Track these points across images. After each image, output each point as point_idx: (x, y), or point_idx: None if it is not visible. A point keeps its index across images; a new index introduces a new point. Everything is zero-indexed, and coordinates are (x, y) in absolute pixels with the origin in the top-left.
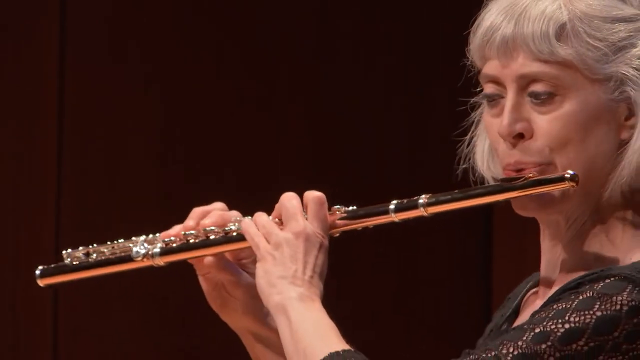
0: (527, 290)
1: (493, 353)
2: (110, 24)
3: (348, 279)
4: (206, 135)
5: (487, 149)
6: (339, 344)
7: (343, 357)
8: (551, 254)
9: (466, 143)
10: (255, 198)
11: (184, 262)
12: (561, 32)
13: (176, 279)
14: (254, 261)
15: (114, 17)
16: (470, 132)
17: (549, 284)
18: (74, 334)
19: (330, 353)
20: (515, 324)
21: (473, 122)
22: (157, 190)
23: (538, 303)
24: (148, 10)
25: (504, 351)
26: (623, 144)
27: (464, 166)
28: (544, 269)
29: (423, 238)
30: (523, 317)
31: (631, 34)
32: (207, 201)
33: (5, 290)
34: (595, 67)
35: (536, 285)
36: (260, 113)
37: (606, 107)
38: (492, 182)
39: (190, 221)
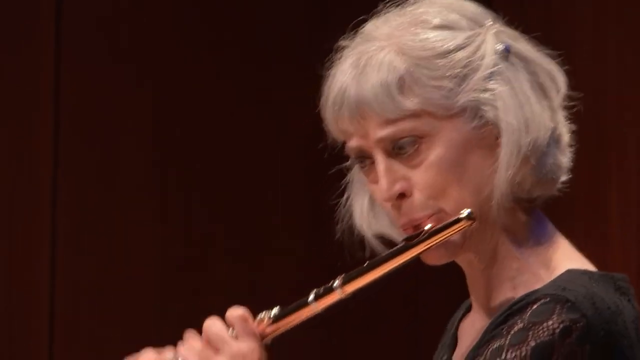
0: (462, 317)
1: None
2: (108, 24)
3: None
4: (204, 135)
5: (367, 207)
6: None
7: None
8: (474, 288)
9: (343, 203)
10: (255, 200)
11: None
12: (402, 85)
13: (178, 281)
14: None
15: (112, 17)
16: (346, 192)
17: (479, 310)
18: (71, 339)
19: None
20: (455, 354)
21: (348, 182)
22: (155, 192)
23: (471, 331)
24: (146, 11)
25: None
26: None
27: (341, 226)
28: (472, 298)
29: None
30: (461, 345)
31: (470, 59)
32: (207, 201)
33: (0, 292)
34: (446, 104)
35: (468, 311)
36: (259, 114)
37: (472, 136)
38: (373, 241)
39: None
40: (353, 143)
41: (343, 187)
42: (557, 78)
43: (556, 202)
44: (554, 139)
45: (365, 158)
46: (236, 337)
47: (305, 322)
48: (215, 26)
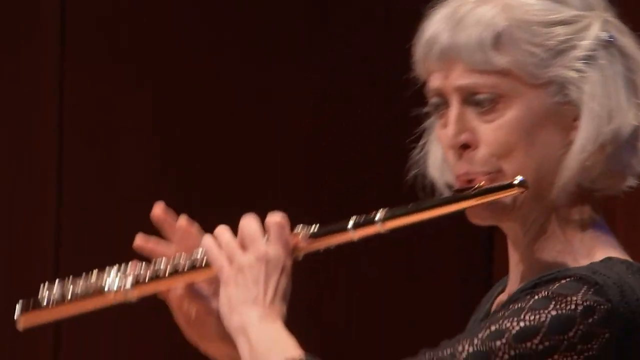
0: (498, 294)
1: (449, 351)
2: (109, 23)
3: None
4: (205, 135)
5: (441, 155)
6: (296, 351)
7: None
8: (513, 259)
9: (418, 149)
10: (255, 199)
11: None
12: (497, 41)
13: None
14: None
15: (113, 17)
16: (423, 139)
17: (512, 287)
18: (74, 339)
19: (287, 358)
20: None
21: (425, 129)
22: (156, 192)
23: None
24: (147, 11)
25: (460, 348)
26: (571, 145)
27: (415, 172)
28: (510, 274)
29: (428, 249)
30: None
31: (570, 36)
32: (207, 200)
33: (1, 293)
34: (535, 72)
35: (503, 289)
36: (260, 113)
37: (551, 110)
38: (444, 190)
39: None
40: (434, 83)
41: (419, 133)
42: None
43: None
44: (633, 138)
45: (441, 102)
46: (267, 241)
47: (337, 247)
48: (215, 26)
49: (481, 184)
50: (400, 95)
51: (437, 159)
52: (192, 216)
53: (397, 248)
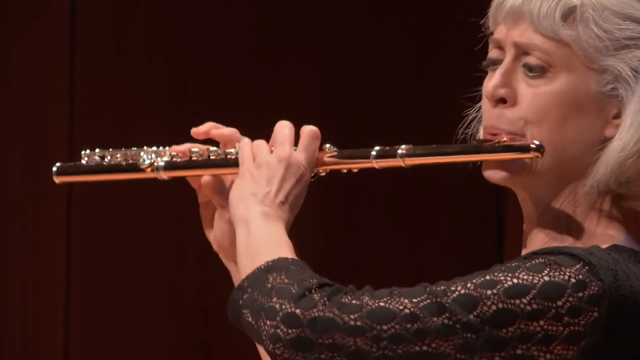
0: None
1: (442, 287)
2: (122, 12)
3: (363, 272)
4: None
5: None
6: (290, 254)
7: (292, 263)
8: (525, 232)
9: (475, 109)
10: None
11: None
12: (569, 14)
13: (189, 276)
14: None
15: (126, 8)
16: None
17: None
18: (85, 335)
19: (280, 257)
20: None
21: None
22: (169, 186)
23: None
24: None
25: (452, 288)
26: (605, 140)
27: (467, 131)
28: (524, 245)
29: (435, 233)
30: None
31: (639, 35)
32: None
33: (17, 287)
34: (594, 56)
35: None
36: (270, 107)
37: (594, 98)
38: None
39: (202, 128)
40: (498, 34)
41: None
42: None
43: None
44: None
45: (497, 55)
46: (296, 148)
47: (358, 171)
48: (228, 19)
49: (501, 141)
50: (403, 96)
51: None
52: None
53: (407, 206)
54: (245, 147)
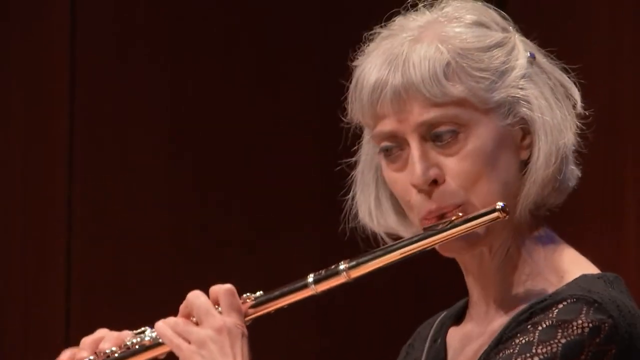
0: (446, 327)
1: None
2: (123, 10)
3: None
4: (215, 128)
5: (373, 204)
6: None
7: None
8: (479, 288)
9: (349, 202)
10: (269, 191)
11: None
12: (448, 72)
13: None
14: None
15: (127, 5)
16: (352, 190)
17: (484, 318)
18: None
19: None
20: None
21: (353, 181)
22: (170, 183)
23: (479, 340)
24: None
25: None
26: (523, 165)
27: (352, 225)
28: (474, 304)
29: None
30: (457, 354)
31: (507, 57)
32: (221, 191)
33: (18, 287)
34: (486, 97)
35: (456, 321)
36: (271, 106)
37: (504, 133)
38: (386, 238)
39: (83, 352)
40: (386, 127)
41: (348, 185)
42: (573, 93)
43: (569, 207)
44: (571, 151)
45: (393, 145)
46: (221, 313)
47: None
48: (231, 17)
49: (456, 217)
50: None
51: (370, 208)
52: (207, 207)
53: None
54: (168, 331)
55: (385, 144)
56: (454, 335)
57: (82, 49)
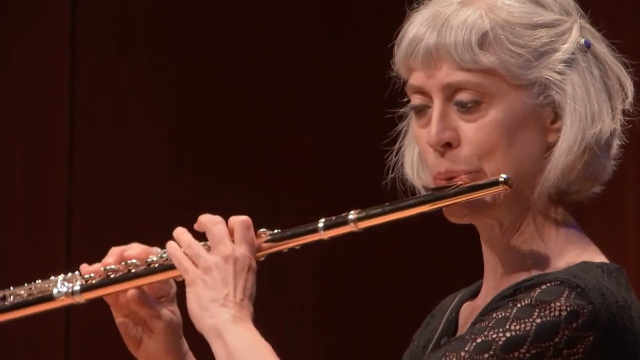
0: (462, 302)
1: None
2: (123, 11)
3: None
4: (215, 128)
5: (417, 158)
6: (274, 358)
7: None
8: (489, 259)
9: (394, 153)
10: (270, 187)
11: None
12: (483, 41)
13: None
14: (172, 300)
15: (127, 6)
16: (399, 142)
17: (492, 293)
18: (86, 326)
19: None
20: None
21: (400, 132)
22: (170, 178)
23: (476, 314)
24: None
25: None
26: (549, 147)
27: (392, 175)
28: (486, 275)
29: (438, 240)
30: (464, 328)
31: (552, 39)
32: (222, 187)
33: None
34: (519, 73)
35: (472, 296)
36: (271, 106)
37: (531, 112)
38: (423, 191)
39: (109, 258)
40: (416, 80)
41: (394, 135)
42: (626, 86)
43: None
44: (609, 142)
45: (421, 102)
46: (233, 242)
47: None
48: (231, 17)
49: (462, 182)
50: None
51: (413, 162)
52: (208, 202)
53: None
54: (178, 253)
55: (414, 100)
56: (465, 309)
57: (82, 49)
